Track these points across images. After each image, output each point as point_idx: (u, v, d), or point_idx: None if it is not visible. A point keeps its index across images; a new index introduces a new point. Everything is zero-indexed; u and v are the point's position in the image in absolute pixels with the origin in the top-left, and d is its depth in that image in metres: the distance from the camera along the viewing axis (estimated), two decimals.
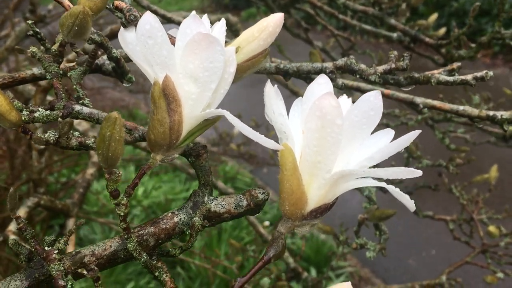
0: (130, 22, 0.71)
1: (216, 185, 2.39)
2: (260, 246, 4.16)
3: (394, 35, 1.94)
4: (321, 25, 2.70)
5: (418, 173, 0.59)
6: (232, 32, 1.89)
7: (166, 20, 1.34)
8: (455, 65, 0.96)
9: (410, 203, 0.61)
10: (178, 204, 5.08)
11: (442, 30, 2.08)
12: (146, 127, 0.79)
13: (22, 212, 1.72)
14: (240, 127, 0.63)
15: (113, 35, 1.66)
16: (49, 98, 2.37)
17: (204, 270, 4.10)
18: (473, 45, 1.71)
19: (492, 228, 2.06)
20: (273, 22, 0.74)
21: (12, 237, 1.66)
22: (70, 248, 2.03)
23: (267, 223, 4.60)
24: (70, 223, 1.99)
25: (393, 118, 2.45)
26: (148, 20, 0.63)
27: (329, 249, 4.63)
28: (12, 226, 1.76)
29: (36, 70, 0.86)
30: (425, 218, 2.32)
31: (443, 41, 1.80)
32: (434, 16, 2.04)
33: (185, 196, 5.29)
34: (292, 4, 2.36)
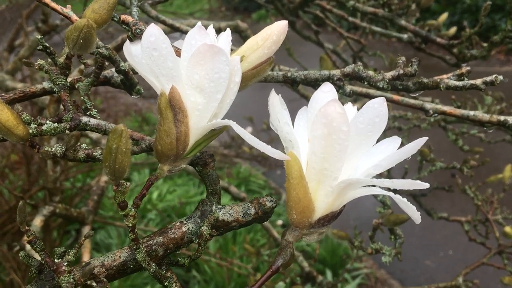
0: (136, 36, 0.72)
1: (229, 189, 2.39)
2: (274, 248, 4.15)
3: (405, 36, 1.92)
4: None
5: (425, 185, 0.58)
6: (242, 38, 1.89)
7: (174, 30, 1.35)
8: (464, 69, 0.95)
9: (416, 215, 0.61)
10: (192, 207, 5.10)
11: (453, 30, 2.06)
12: (153, 137, 0.80)
13: (38, 221, 1.73)
14: (247, 138, 0.63)
15: None
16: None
17: (219, 273, 4.11)
18: (485, 44, 1.69)
19: (508, 229, 2.03)
20: (277, 30, 0.74)
21: (28, 246, 1.68)
22: (86, 255, 2.05)
23: (280, 222, 4.61)
24: (86, 231, 2.01)
25: (405, 121, 2.44)
26: (153, 32, 0.63)
27: (344, 250, 4.60)
28: None
29: (46, 84, 0.87)
30: (440, 220, 2.30)
31: (455, 41, 1.78)
32: (444, 16, 2.03)
33: (199, 200, 5.30)
34: (301, 7, 2.36)
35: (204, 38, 0.65)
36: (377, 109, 0.64)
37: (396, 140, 0.70)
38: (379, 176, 0.67)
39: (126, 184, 0.63)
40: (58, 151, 0.66)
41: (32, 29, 4.10)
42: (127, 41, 0.70)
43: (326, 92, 0.68)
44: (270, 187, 6.12)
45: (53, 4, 0.84)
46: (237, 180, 5.79)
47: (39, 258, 0.67)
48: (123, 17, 0.77)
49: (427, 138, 0.64)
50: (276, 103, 0.67)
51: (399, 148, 0.68)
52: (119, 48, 1.94)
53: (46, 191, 2.81)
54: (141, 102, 8.29)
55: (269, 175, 6.46)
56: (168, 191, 5.40)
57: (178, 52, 0.70)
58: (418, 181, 0.58)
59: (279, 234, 2.64)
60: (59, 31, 3.07)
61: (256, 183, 6.01)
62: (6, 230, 3.46)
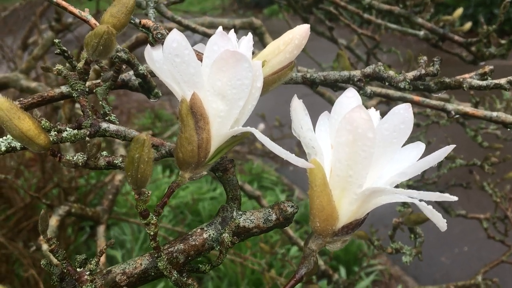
0: (157, 41, 0.71)
1: (243, 187, 2.38)
2: (288, 245, 4.14)
3: (421, 33, 1.89)
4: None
5: (453, 198, 0.57)
6: (257, 35, 1.87)
7: (190, 31, 1.34)
8: (487, 68, 0.93)
9: (441, 223, 0.59)
10: (205, 204, 5.10)
11: (468, 25, 2.03)
12: (173, 141, 0.79)
13: (53, 220, 1.74)
14: (269, 145, 0.61)
15: (139, 44, 1.66)
16: (77, 105, 2.40)
17: (233, 270, 4.11)
18: (503, 41, 1.66)
19: None
20: (299, 34, 0.72)
21: (44, 246, 1.69)
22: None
23: None
24: (101, 230, 2.02)
25: (424, 118, 2.41)
26: (175, 38, 0.62)
27: (358, 247, 4.58)
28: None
29: (64, 88, 0.86)
30: (458, 217, 2.28)
31: (473, 39, 1.75)
32: (459, 11, 1.99)
33: (212, 196, 5.31)
34: (315, 4, 2.33)
35: (226, 44, 0.64)
36: (403, 115, 0.63)
37: (419, 145, 0.68)
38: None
39: (148, 193, 0.62)
40: (80, 160, 0.66)
41: (46, 27, 4.11)
42: (148, 45, 0.69)
43: (350, 98, 0.67)
44: (283, 183, 6.10)
45: (71, 8, 0.83)
46: (250, 176, 5.79)
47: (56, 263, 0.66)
48: (143, 21, 0.76)
49: (453, 146, 0.62)
50: (299, 109, 0.66)
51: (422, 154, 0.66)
52: (133, 47, 1.94)
53: (61, 190, 2.82)
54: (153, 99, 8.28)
55: (282, 171, 6.44)
56: (180, 188, 5.41)
57: (199, 56, 0.69)
58: (447, 194, 0.56)
59: (292, 231, 2.63)
60: (73, 29, 3.08)
61: (269, 179, 6.00)
62: (21, 228, 3.50)
